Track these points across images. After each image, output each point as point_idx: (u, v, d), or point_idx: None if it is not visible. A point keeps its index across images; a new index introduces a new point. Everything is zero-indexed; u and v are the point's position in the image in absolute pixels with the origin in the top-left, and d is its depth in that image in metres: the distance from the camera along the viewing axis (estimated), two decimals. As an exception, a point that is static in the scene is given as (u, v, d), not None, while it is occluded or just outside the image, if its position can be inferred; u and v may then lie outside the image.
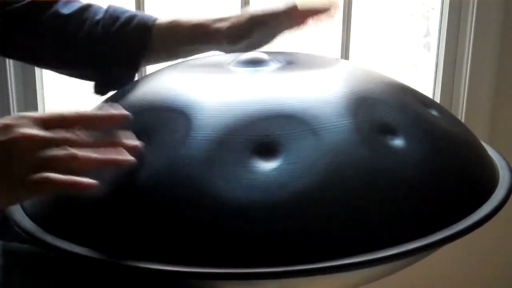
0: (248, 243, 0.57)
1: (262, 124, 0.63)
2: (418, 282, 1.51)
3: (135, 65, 0.89)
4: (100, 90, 0.90)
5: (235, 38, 0.87)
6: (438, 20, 1.42)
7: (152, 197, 0.61)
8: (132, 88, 0.76)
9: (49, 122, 0.59)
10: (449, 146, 0.69)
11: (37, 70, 1.37)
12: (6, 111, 1.31)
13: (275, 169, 0.60)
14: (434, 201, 0.63)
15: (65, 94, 1.57)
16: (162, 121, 0.66)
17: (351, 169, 0.61)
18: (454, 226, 0.62)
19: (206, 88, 0.72)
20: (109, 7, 0.91)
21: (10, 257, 0.71)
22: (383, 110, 0.68)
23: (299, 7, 0.89)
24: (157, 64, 0.93)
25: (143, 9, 1.35)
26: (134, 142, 0.61)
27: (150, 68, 1.37)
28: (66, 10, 0.90)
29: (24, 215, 0.68)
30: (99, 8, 0.91)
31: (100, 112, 0.61)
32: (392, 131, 0.66)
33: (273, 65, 0.77)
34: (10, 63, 1.32)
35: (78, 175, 0.56)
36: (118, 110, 0.62)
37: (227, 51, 0.88)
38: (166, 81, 0.77)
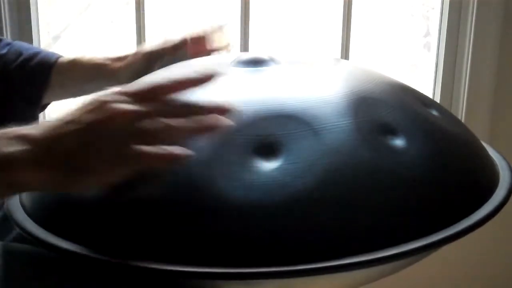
0: (248, 243, 0.57)
1: (262, 124, 0.63)
2: (418, 282, 1.51)
3: (36, 101, 0.90)
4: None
5: (133, 76, 0.88)
6: (438, 20, 1.43)
7: (152, 197, 0.61)
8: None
9: (141, 95, 0.59)
10: (449, 146, 0.69)
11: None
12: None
13: (275, 169, 0.60)
14: (434, 201, 0.63)
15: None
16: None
17: (351, 169, 0.61)
18: (454, 226, 0.62)
19: (206, 88, 0.71)
20: (15, 43, 0.93)
21: (10, 257, 0.71)
22: (383, 110, 0.68)
23: (195, 37, 0.93)
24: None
25: (143, 9, 1.35)
26: (227, 104, 0.60)
27: (150, 68, 1.37)
28: None
29: (25, 215, 0.68)
30: (6, 44, 0.93)
31: (188, 77, 0.60)
32: (392, 131, 0.66)
33: (273, 65, 0.77)
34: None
35: (173, 145, 0.56)
36: (202, 73, 0.61)
37: None
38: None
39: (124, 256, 0.58)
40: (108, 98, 0.58)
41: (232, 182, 0.59)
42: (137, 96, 0.58)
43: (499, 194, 0.68)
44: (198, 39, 0.94)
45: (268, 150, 0.61)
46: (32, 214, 0.67)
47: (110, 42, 1.54)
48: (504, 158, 0.77)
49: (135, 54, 0.92)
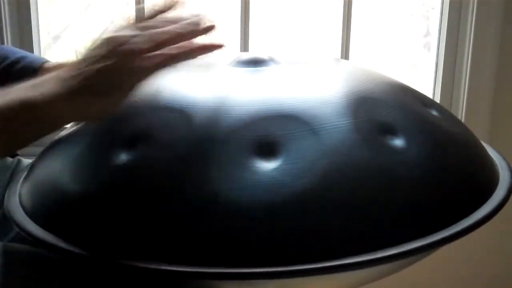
0: (248, 242, 0.57)
1: (262, 124, 0.63)
2: (418, 282, 1.51)
3: None
4: None
5: None
6: (438, 20, 1.42)
7: (152, 197, 0.61)
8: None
9: (146, 24, 0.64)
10: (449, 146, 0.69)
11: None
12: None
13: (275, 169, 0.60)
14: (434, 201, 0.63)
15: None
16: (162, 121, 0.66)
17: (350, 169, 0.61)
18: (454, 226, 0.62)
19: (207, 88, 0.72)
20: (2, 47, 0.94)
21: (10, 257, 0.71)
22: (383, 110, 0.68)
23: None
24: None
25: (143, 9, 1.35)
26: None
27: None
28: None
29: (25, 215, 0.68)
30: None
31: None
32: (392, 131, 0.66)
33: (273, 65, 0.77)
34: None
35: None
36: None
37: None
38: (166, 81, 0.77)
39: (124, 256, 0.58)
40: (118, 36, 0.62)
41: (232, 182, 0.59)
42: (143, 27, 0.63)
43: (499, 194, 0.68)
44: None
45: (267, 150, 0.61)
46: (32, 214, 0.67)
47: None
48: (504, 158, 0.77)
49: None
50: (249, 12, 1.36)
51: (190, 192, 0.60)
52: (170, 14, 0.66)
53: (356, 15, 1.39)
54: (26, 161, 0.92)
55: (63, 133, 0.77)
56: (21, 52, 0.94)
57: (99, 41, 0.62)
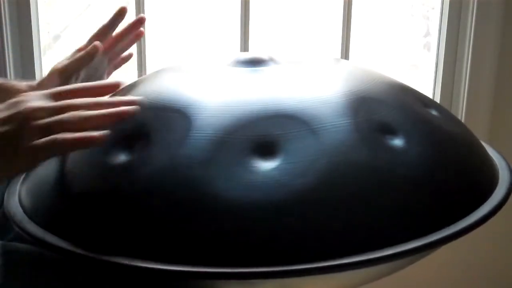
0: (247, 242, 0.57)
1: (261, 124, 0.63)
2: (418, 282, 1.51)
3: None
4: None
5: None
6: (438, 20, 1.42)
7: (152, 197, 0.61)
8: (133, 87, 0.76)
9: (57, 95, 0.63)
10: (448, 146, 0.69)
11: (37, 66, 1.37)
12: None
13: (274, 169, 0.60)
14: (434, 200, 0.63)
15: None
16: (162, 121, 0.66)
17: (350, 169, 0.61)
18: (454, 226, 0.62)
19: (206, 88, 0.72)
20: None
21: (10, 257, 0.71)
22: (383, 110, 0.68)
23: (99, 33, 0.97)
24: None
25: (143, 10, 1.35)
26: (131, 97, 0.66)
27: (149, 69, 1.38)
28: None
29: (24, 215, 0.68)
30: None
31: (102, 82, 0.67)
32: (392, 131, 0.66)
33: (273, 65, 0.77)
34: (10, 60, 1.32)
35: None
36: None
37: None
38: (166, 81, 0.77)
39: (124, 256, 0.58)
40: (24, 98, 0.62)
41: (231, 182, 0.59)
42: (54, 96, 0.63)
43: (499, 193, 0.68)
44: (103, 33, 0.96)
45: (266, 149, 0.61)
46: (31, 215, 0.67)
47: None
48: (504, 158, 0.77)
49: (50, 75, 0.92)
50: (249, 12, 1.36)
51: (190, 192, 0.60)
52: (90, 98, 0.64)
53: (356, 15, 1.39)
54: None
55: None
56: None
57: (9, 103, 0.62)
